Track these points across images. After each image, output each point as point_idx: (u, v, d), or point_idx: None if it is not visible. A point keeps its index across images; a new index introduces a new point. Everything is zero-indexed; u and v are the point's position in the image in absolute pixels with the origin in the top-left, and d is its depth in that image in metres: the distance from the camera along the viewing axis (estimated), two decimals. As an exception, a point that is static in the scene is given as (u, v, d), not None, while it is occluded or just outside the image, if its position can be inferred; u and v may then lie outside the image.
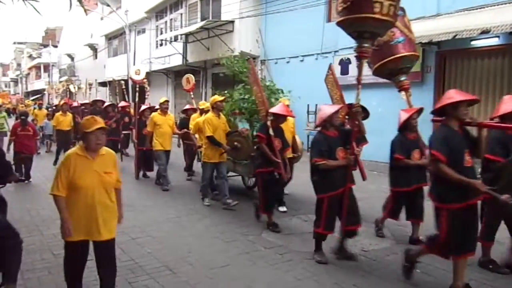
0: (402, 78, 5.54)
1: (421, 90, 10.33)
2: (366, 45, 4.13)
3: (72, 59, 38.29)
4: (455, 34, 8.91)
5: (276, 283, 4.08)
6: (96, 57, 32.64)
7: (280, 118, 5.82)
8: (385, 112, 9.54)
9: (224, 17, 17.26)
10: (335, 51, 13.68)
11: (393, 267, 4.38)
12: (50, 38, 47.22)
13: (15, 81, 65.20)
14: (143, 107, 10.03)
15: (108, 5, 23.93)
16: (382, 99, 10.67)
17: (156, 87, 22.72)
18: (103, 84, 29.06)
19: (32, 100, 34.61)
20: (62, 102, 15.26)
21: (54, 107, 17.06)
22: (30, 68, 52.81)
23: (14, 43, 61.38)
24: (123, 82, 15.72)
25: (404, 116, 5.09)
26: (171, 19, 21.74)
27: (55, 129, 11.54)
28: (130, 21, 23.00)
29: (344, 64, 13.23)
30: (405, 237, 5.27)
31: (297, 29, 15.06)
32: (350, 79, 12.95)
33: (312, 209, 4.76)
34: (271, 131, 5.72)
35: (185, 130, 8.87)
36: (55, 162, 10.45)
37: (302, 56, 14.63)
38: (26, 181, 8.82)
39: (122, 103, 13.34)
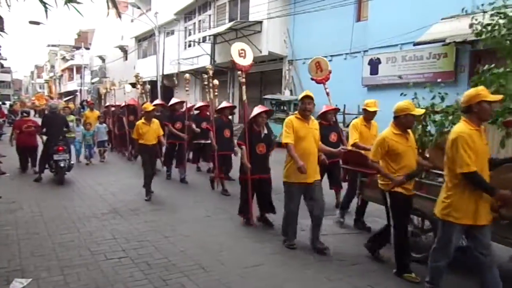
0: None
1: (454, 90, 10.13)
2: None
3: (103, 60, 39.36)
4: (490, 33, 8.65)
5: (308, 283, 4.08)
6: (126, 59, 33.45)
7: None
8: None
9: (252, 17, 17.37)
10: (365, 51, 13.56)
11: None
12: (83, 40, 48.61)
13: (49, 83, 67.41)
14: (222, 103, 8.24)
15: (139, 8, 24.46)
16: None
17: (180, 88, 23.13)
18: (132, 84, 29.78)
19: (65, 101, 35.72)
20: (128, 102, 12.92)
21: (118, 108, 13.86)
22: (63, 70, 54.63)
23: (48, 45, 63.37)
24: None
25: None
26: (199, 21, 22.04)
27: (138, 143, 7.77)
28: (160, 23, 23.44)
29: (374, 64, 13.09)
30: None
31: (325, 29, 15.02)
32: (380, 79, 12.82)
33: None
34: None
35: (351, 149, 5.62)
36: (147, 190, 7.51)
37: (331, 56, 14.56)
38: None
39: (198, 103, 10.68)
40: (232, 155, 8.15)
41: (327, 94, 7.24)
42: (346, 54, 14.35)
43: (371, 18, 13.44)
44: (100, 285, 3.89)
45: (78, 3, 3.37)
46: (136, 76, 13.77)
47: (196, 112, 10.13)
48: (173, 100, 9.88)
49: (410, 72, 11.80)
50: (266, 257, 4.74)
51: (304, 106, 4.90)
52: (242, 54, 6.46)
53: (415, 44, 11.04)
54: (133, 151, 11.95)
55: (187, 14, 23.01)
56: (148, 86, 13.42)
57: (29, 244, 4.95)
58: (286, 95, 16.65)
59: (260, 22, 17.03)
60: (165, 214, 6.49)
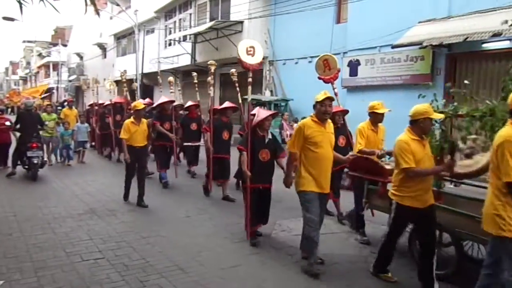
0: None
1: (430, 93, 10.37)
2: None
3: (81, 58, 38.61)
4: (466, 37, 8.89)
5: (287, 283, 4.10)
6: (105, 57, 32.89)
7: None
8: (397, 116, 9.52)
9: (233, 17, 17.34)
10: (344, 52, 13.67)
11: (406, 269, 4.39)
12: (60, 37, 47.49)
13: (24, 79, 65.75)
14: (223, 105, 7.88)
15: (118, 5, 24.04)
16: (394, 100, 10.68)
17: (164, 87, 22.83)
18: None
19: (41, 98, 34.91)
20: (116, 100, 12.53)
21: (103, 107, 13.20)
22: (39, 67, 53.31)
23: (24, 41, 61.79)
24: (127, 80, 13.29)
25: None
26: (180, 19, 21.87)
27: (127, 145, 6.97)
28: (139, 20, 23.11)
29: (353, 65, 13.22)
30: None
31: (306, 30, 15.11)
32: (359, 81, 12.97)
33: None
34: None
35: (359, 155, 5.16)
36: (125, 196, 7.23)
37: (311, 57, 14.58)
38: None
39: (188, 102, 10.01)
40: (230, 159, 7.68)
41: (336, 94, 6.40)
42: (326, 55, 14.45)
43: (350, 20, 13.57)
44: (75, 287, 3.82)
45: (54, -2, 3.30)
46: (122, 74, 12.67)
47: (185, 112, 9.77)
48: (162, 99, 9.08)
49: (388, 74, 11.96)
50: (246, 257, 4.74)
51: (325, 109, 4.35)
52: (251, 52, 5.87)
53: (393, 46, 11.19)
54: (119, 154, 11.37)
55: (167, 12, 22.79)
56: (135, 84, 12.60)
57: (1, 246, 4.83)
58: (266, 96, 16.68)
59: (241, 22, 17.01)
60: (144, 215, 6.42)
